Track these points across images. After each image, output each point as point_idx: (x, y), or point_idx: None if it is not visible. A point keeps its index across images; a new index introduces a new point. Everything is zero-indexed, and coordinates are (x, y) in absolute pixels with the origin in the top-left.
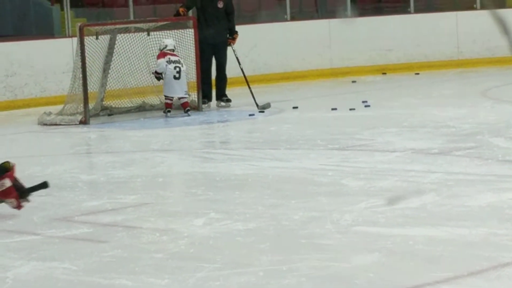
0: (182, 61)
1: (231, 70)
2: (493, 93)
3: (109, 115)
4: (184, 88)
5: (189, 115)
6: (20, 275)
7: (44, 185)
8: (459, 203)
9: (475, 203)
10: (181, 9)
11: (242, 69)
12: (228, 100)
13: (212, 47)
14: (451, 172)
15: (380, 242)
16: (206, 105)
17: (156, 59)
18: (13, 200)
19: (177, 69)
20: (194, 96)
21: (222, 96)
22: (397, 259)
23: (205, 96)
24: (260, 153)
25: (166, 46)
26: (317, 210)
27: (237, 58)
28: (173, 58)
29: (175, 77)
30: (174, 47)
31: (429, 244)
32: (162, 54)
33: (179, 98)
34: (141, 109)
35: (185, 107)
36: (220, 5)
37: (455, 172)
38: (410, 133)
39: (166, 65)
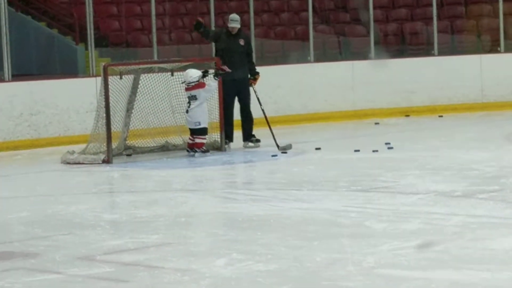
0: (198, 92)
1: (253, 111)
2: None
3: (127, 155)
4: (195, 119)
5: (193, 156)
6: None
7: None
8: (482, 246)
9: (498, 246)
10: (199, 18)
11: (263, 110)
12: (257, 141)
13: (235, 86)
14: (474, 215)
15: (402, 285)
16: (227, 145)
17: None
18: None
19: (188, 104)
20: (217, 137)
21: (249, 136)
22: None
23: (227, 137)
24: (282, 194)
25: (184, 81)
26: (340, 252)
27: (258, 98)
28: (187, 93)
29: (186, 111)
30: (193, 79)
31: (452, 287)
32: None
33: (193, 136)
34: (164, 149)
35: (191, 147)
36: (242, 42)
37: (478, 215)
38: (433, 175)
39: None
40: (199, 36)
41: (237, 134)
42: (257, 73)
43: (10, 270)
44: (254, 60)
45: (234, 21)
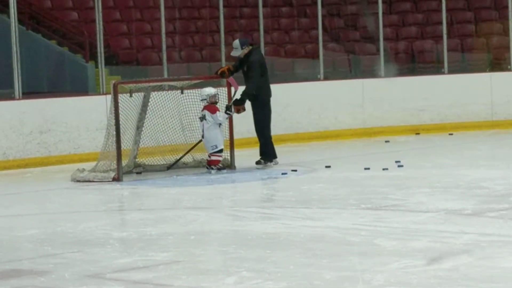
0: (207, 113)
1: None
2: None
3: (137, 173)
4: (211, 143)
5: (209, 173)
6: None
7: None
8: (492, 264)
9: (508, 264)
10: (223, 68)
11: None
12: (258, 163)
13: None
14: (484, 233)
15: None
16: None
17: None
18: None
19: (202, 126)
20: (227, 155)
21: (260, 156)
22: None
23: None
24: (292, 212)
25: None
26: (349, 270)
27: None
28: (201, 113)
29: (202, 136)
30: (205, 99)
31: None
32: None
33: (209, 155)
34: (174, 166)
35: (209, 165)
36: (245, 68)
37: (488, 233)
38: (443, 193)
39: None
40: (209, 54)
41: (250, 152)
42: (237, 101)
43: None
44: (248, 88)
45: (233, 49)
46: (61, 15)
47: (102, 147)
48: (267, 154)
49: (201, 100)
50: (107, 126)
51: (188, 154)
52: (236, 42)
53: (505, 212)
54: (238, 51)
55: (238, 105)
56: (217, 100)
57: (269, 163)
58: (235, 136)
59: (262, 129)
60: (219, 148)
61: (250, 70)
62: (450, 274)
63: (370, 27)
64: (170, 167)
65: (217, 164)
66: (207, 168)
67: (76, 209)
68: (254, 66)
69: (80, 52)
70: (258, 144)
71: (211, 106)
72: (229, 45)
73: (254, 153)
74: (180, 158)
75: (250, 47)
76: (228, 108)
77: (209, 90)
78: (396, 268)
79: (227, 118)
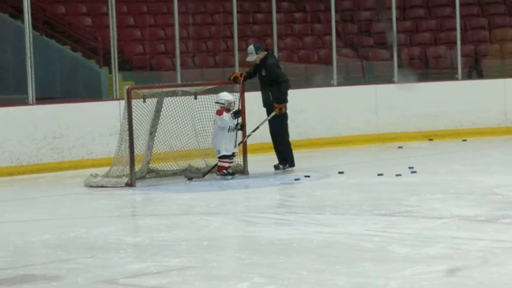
0: (216, 117)
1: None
2: None
3: (156, 176)
4: (215, 148)
5: (216, 178)
6: None
7: None
8: (506, 271)
9: None
10: (236, 74)
11: (248, 135)
12: (277, 168)
13: (266, 111)
14: (498, 240)
15: None
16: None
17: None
18: None
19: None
20: (239, 160)
21: (279, 161)
22: None
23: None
24: (305, 218)
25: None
26: (363, 276)
27: (261, 123)
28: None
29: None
30: (222, 104)
31: None
32: None
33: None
34: (187, 172)
35: (218, 170)
36: (263, 72)
37: (502, 240)
38: (456, 200)
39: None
40: (223, 60)
41: (263, 157)
42: (280, 101)
43: None
44: (282, 87)
45: (248, 55)
46: (75, 21)
47: (115, 153)
48: (287, 159)
49: (217, 103)
50: (121, 132)
51: (202, 159)
52: (251, 48)
53: None
54: (253, 56)
55: (280, 103)
56: (231, 108)
57: (289, 169)
58: (248, 142)
59: (283, 136)
60: (221, 154)
61: (271, 74)
62: (464, 280)
63: (388, 37)
64: (205, 174)
65: (221, 171)
66: (216, 174)
67: (89, 215)
68: (274, 68)
69: (94, 57)
70: (272, 150)
71: (219, 110)
72: (242, 51)
73: (267, 158)
74: (208, 172)
75: (265, 52)
76: (235, 113)
77: (225, 95)
78: (409, 274)
79: (234, 121)
